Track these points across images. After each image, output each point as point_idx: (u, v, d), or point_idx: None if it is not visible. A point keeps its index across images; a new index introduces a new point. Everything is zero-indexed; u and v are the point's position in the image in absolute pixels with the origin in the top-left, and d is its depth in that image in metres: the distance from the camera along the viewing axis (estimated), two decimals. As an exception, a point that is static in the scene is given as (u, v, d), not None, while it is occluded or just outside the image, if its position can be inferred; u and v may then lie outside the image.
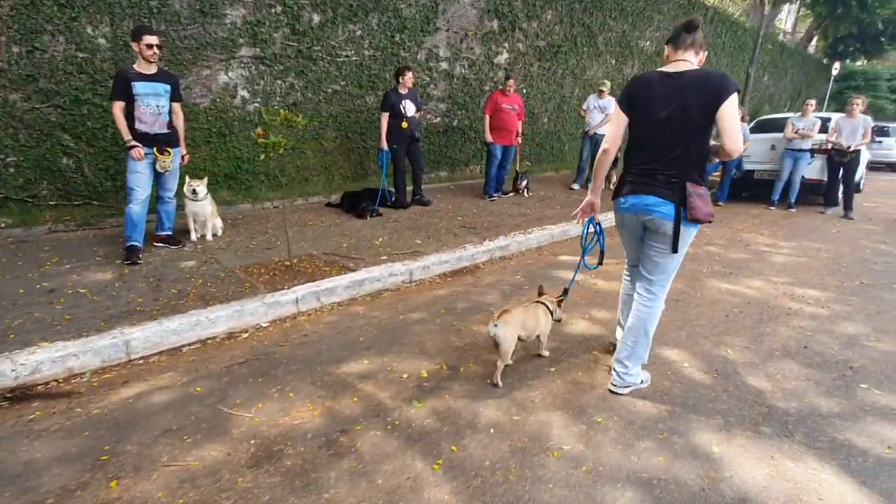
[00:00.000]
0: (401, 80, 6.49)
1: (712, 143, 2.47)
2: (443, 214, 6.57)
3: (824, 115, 9.10)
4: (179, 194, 4.81)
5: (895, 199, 8.51)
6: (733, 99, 2.28)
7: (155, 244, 4.73)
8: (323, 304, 3.94)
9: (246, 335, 3.39)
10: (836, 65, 19.11)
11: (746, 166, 9.00)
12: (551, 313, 3.06)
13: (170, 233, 4.79)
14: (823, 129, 8.28)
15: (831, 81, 19.49)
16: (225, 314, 3.44)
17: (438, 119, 8.63)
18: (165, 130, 4.47)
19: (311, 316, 3.73)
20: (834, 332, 3.55)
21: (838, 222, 7.63)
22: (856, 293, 4.38)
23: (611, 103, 8.68)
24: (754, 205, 8.78)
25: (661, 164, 2.47)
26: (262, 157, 3.97)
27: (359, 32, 7.11)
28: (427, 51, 8.04)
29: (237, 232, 5.37)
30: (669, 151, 2.43)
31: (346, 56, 7.08)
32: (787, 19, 29.81)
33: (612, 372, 2.70)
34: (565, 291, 3.19)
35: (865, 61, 26.08)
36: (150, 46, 4.27)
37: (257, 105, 6.41)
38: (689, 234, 2.52)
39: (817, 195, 8.71)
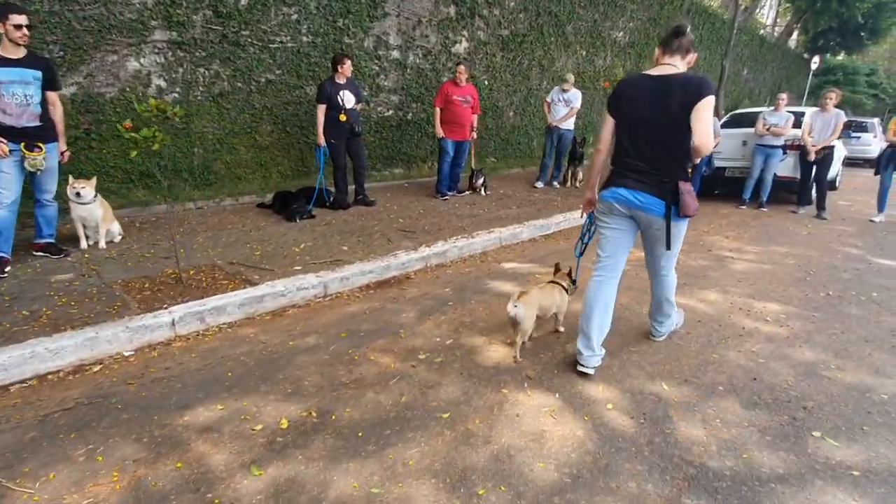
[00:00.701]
0: (339, 69, 5.92)
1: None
2: (384, 216, 6.03)
3: (798, 109, 8.69)
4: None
5: (871, 197, 8.09)
6: (709, 100, 2.43)
7: (34, 253, 4.15)
8: (209, 325, 3.39)
9: (98, 368, 2.84)
10: (816, 59, 18.83)
11: (717, 163, 8.55)
12: (566, 290, 3.27)
13: (51, 240, 4.20)
14: (797, 125, 7.88)
15: (810, 76, 19.21)
16: (72, 343, 2.87)
17: (391, 112, 8.06)
18: (36, 123, 3.88)
19: (189, 341, 3.18)
20: (790, 358, 3.08)
21: (810, 223, 7.21)
22: (820, 307, 3.93)
23: (576, 97, 8.19)
24: (724, 203, 8.35)
25: (649, 163, 2.60)
26: (133, 153, 3.38)
27: (294, 16, 6.51)
28: (375, 38, 7.47)
29: (140, 238, 4.79)
30: (656, 151, 2.58)
31: (281, 42, 6.48)
32: (768, 13, 29.58)
33: (651, 327, 3.22)
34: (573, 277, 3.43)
35: (845, 56, 25.92)
36: (17, 27, 3.70)
37: (177, 95, 5.80)
38: (682, 228, 2.71)
39: (791, 193, 8.31)
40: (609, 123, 2.74)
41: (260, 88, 6.45)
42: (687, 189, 2.55)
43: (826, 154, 7.46)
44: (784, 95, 7.80)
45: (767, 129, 7.58)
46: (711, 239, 6.02)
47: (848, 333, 3.46)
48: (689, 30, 2.59)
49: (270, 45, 6.39)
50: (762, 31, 25.97)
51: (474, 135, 7.33)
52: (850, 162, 13.85)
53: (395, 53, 7.80)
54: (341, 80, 5.97)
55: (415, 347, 3.07)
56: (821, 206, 7.60)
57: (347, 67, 5.94)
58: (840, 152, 9.74)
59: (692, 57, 2.62)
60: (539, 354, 3.03)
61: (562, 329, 3.33)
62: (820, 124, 7.44)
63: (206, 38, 5.84)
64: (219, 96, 6.11)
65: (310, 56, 6.79)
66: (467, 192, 7.66)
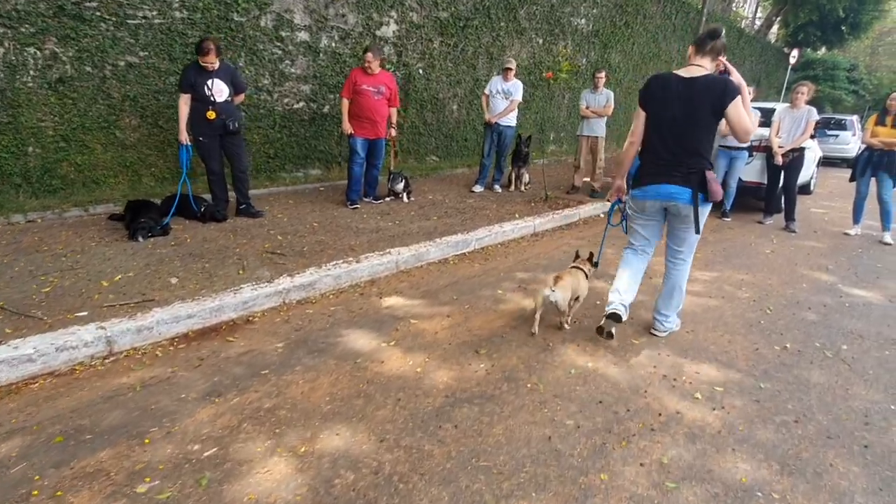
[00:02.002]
0: (205, 53, 4.76)
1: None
2: (263, 232, 4.94)
3: (767, 104, 7.75)
4: None
5: (847, 203, 7.16)
6: (737, 101, 2.72)
7: None
8: None
9: None
10: (794, 52, 18.01)
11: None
12: (587, 276, 3.39)
13: None
14: (766, 123, 6.96)
15: (789, 70, 18.39)
16: None
17: (302, 104, 6.95)
18: None
19: None
20: (715, 477, 2.08)
21: (776, 237, 6.27)
22: (772, 372, 2.95)
23: (517, 88, 7.16)
24: (684, 212, 7.37)
25: (677, 156, 2.88)
26: None
27: (161, -14, 5.37)
28: (275, 15, 6.34)
29: None
30: (683, 145, 2.86)
31: (145, 18, 5.33)
32: (748, 6, 28.80)
33: (654, 320, 3.28)
34: (594, 261, 3.55)
35: (825, 50, 25.22)
36: None
37: (-4, 81, 4.65)
38: (706, 211, 2.95)
39: (759, 200, 7.39)
40: (641, 117, 2.98)
41: (118, 74, 5.30)
42: (712, 177, 2.84)
43: (796, 157, 6.54)
44: (750, 88, 6.81)
45: (731, 129, 6.60)
46: (656, 261, 5.03)
47: (804, 422, 2.47)
48: (723, 33, 2.82)
49: (129, 21, 5.24)
50: (743, 24, 25.17)
51: (393, 131, 6.27)
52: (827, 161, 13.04)
53: (303, 35, 6.67)
54: (211, 67, 4.85)
55: (149, 465, 2.02)
56: (789, 216, 6.68)
57: (212, 54, 4.75)
58: (814, 153, 8.84)
59: (721, 60, 2.91)
60: (328, 486, 1.98)
61: (567, 327, 3.38)
62: (789, 123, 6.51)
63: (33, 10, 4.68)
64: (59, 83, 4.96)
65: (185, 35, 5.65)
66: (388, 199, 6.61)
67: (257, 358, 2.90)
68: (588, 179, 8.01)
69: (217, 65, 4.86)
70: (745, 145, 6.76)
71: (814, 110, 6.42)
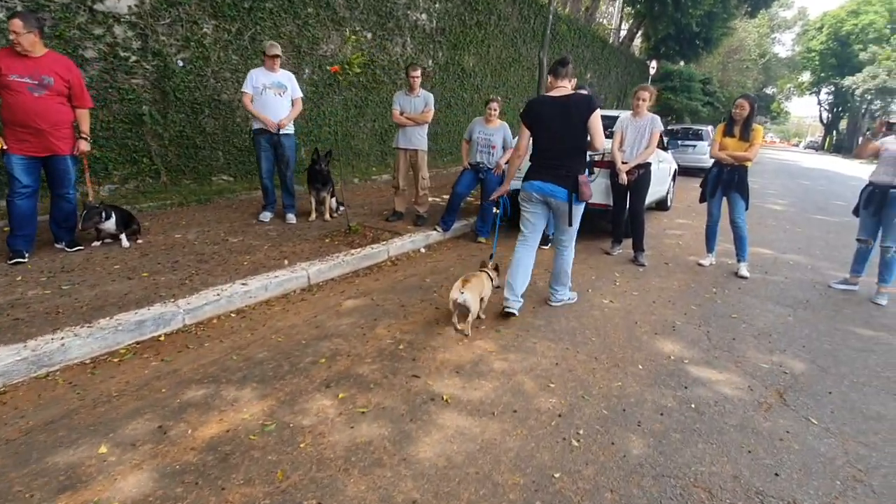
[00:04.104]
0: None
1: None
2: None
3: (613, 112, 6.65)
4: None
5: (703, 221, 6.08)
6: (597, 112, 3.41)
7: None
8: None
9: None
10: (653, 63, 18.15)
11: (514, 185, 6.21)
12: (492, 280, 3.70)
13: None
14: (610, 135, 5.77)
15: (650, 81, 18.51)
16: None
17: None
18: None
19: None
20: None
21: (621, 275, 5.02)
22: None
23: (290, 80, 5.47)
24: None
25: (558, 161, 3.51)
26: None
27: None
28: None
29: None
30: (562, 152, 3.51)
31: None
32: (615, 18, 29.64)
33: (550, 293, 3.98)
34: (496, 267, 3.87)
35: (683, 64, 26.38)
36: None
37: None
38: (580, 209, 3.64)
39: (609, 223, 6.21)
40: (526, 134, 3.64)
41: None
42: (584, 181, 3.49)
43: (642, 175, 5.37)
44: (585, 91, 5.58)
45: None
46: (443, 342, 3.43)
47: None
48: (571, 59, 3.60)
49: None
50: (610, 36, 25.61)
51: (83, 145, 4.20)
52: (685, 171, 12.73)
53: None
54: None
55: None
56: (638, 246, 5.50)
57: None
58: (669, 165, 7.97)
59: (574, 82, 3.60)
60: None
61: (483, 315, 3.63)
62: (632, 134, 5.35)
63: None
64: None
65: None
66: (98, 243, 4.51)
67: None
68: (413, 201, 6.43)
69: None
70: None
71: (657, 119, 5.30)
